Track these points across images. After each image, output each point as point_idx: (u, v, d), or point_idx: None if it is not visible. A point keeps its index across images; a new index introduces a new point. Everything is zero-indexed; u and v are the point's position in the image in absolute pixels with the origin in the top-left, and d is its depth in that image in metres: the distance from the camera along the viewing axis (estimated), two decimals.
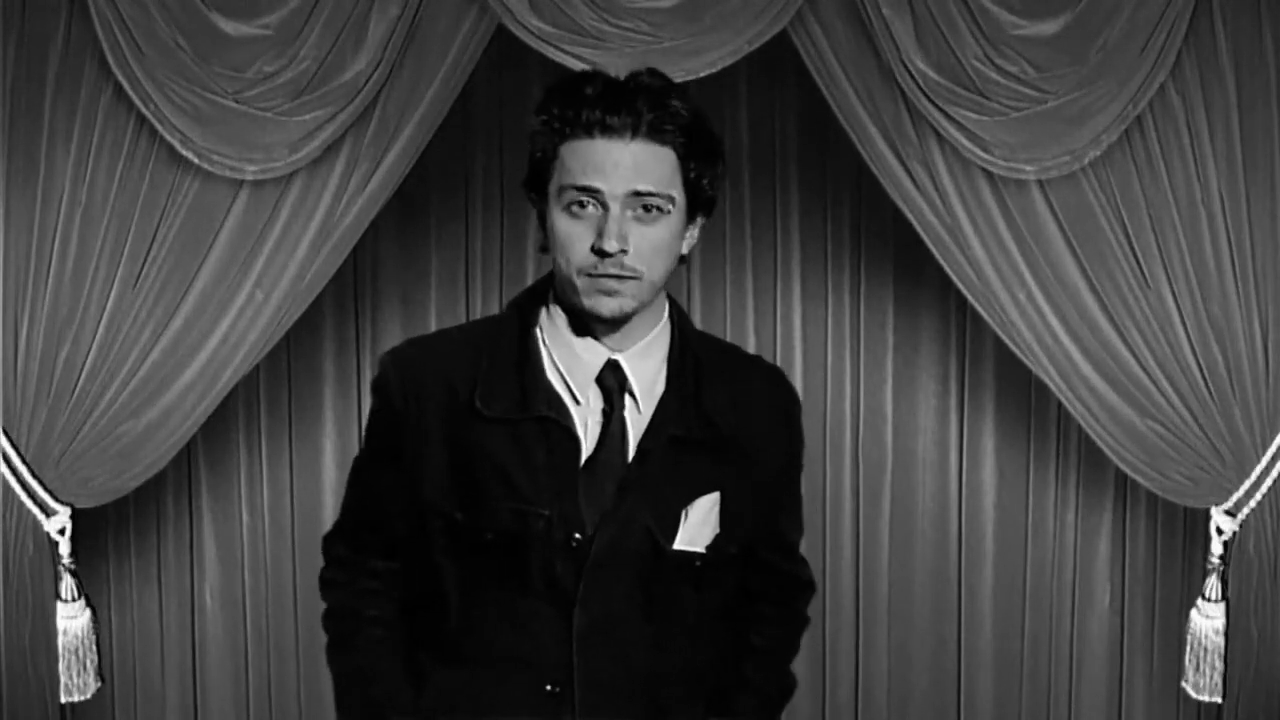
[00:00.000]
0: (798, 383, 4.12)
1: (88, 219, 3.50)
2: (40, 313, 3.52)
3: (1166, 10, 3.40)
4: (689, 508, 1.85)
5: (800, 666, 4.09)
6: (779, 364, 4.09)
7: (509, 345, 1.87)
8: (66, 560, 3.60)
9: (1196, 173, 3.50)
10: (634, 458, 1.84)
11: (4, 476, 3.54)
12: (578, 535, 1.82)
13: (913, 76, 3.45)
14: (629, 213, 1.78)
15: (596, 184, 1.77)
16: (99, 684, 3.71)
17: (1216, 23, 3.45)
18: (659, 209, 1.79)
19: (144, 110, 3.44)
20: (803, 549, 2.11)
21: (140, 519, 4.03)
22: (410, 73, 3.49)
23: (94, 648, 3.68)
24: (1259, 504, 3.57)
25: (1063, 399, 3.65)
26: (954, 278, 3.63)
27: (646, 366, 1.87)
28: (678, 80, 3.46)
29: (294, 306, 3.60)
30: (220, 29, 3.44)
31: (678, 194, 1.81)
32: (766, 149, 4.07)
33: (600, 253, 1.77)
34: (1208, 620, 3.65)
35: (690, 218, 1.86)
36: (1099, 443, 3.66)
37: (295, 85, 3.45)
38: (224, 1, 3.44)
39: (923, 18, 3.43)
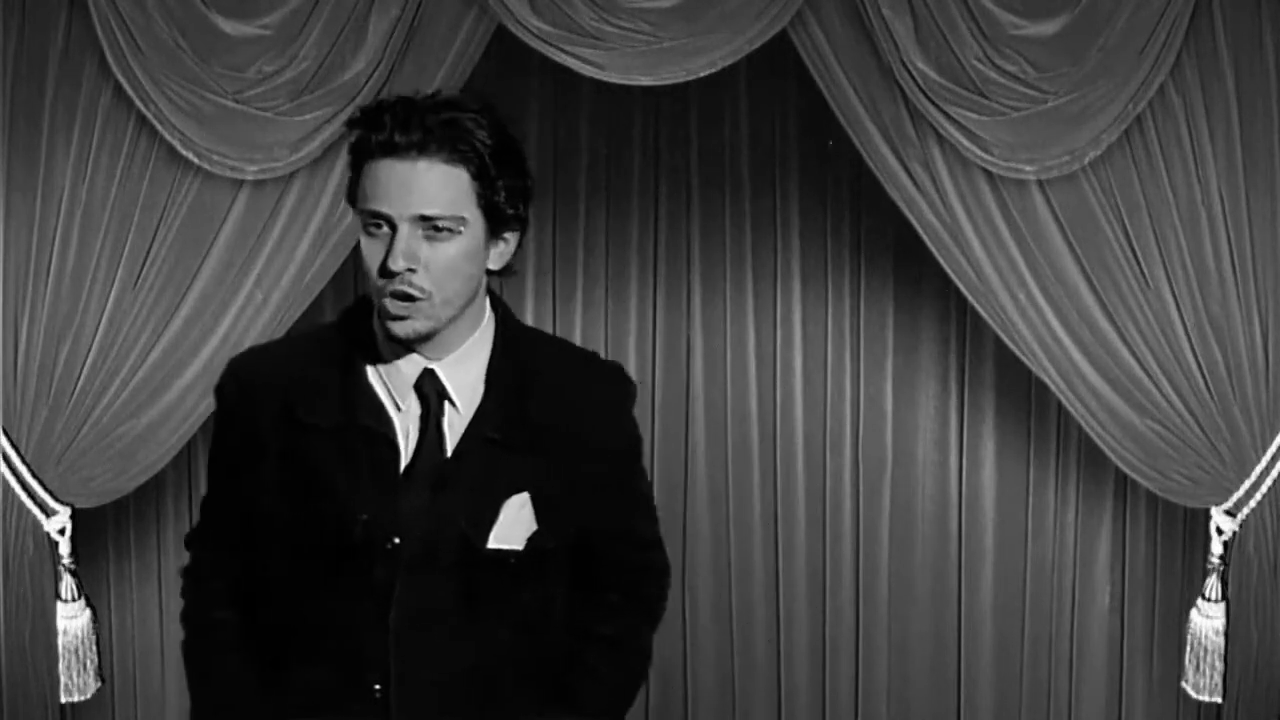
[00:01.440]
0: (797, 382, 4.12)
1: (88, 219, 3.51)
2: (40, 313, 3.52)
3: (1166, 10, 3.40)
4: (502, 506, 1.86)
5: (800, 666, 4.14)
6: (779, 364, 4.12)
7: (333, 354, 1.89)
8: (66, 560, 3.61)
9: (1196, 173, 3.50)
10: (448, 460, 1.85)
11: (4, 476, 3.54)
12: (396, 539, 1.83)
13: (913, 76, 3.45)
14: (418, 231, 1.77)
15: (382, 209, 1.77)
16: (99, 684, 3.71)
17: (1216, 23, 3.45)
18: (450, 230, 1.78)
19: (144, 110, 3.45)
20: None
21: (140, 519, 4.03)
22: (410, 73, 3.49)
23: (94, 648, 3.68)
24: (1259, 504, 3.57)
25: (1063, 399, 3.65)
26: (954, 278, 3.63)
27: (465, 372, 1.87)
28: (678, 80, 3.52)
29: (294, 306, 3.60)
30: (220, 29, 3.45)
31: (470, 214, 1.79)
32: (766, 149, 4.07)
33: (385, 272, 1.77)
34: (1208, 620, 3.65)
35: (494, 234, 1.84)
36: (1099, 443, 3.66)
37: (295, 85, 3.46)
38: (224, 1, 3.45)
39: (923, 18, 3.43)
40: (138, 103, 3.44)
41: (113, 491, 3.65)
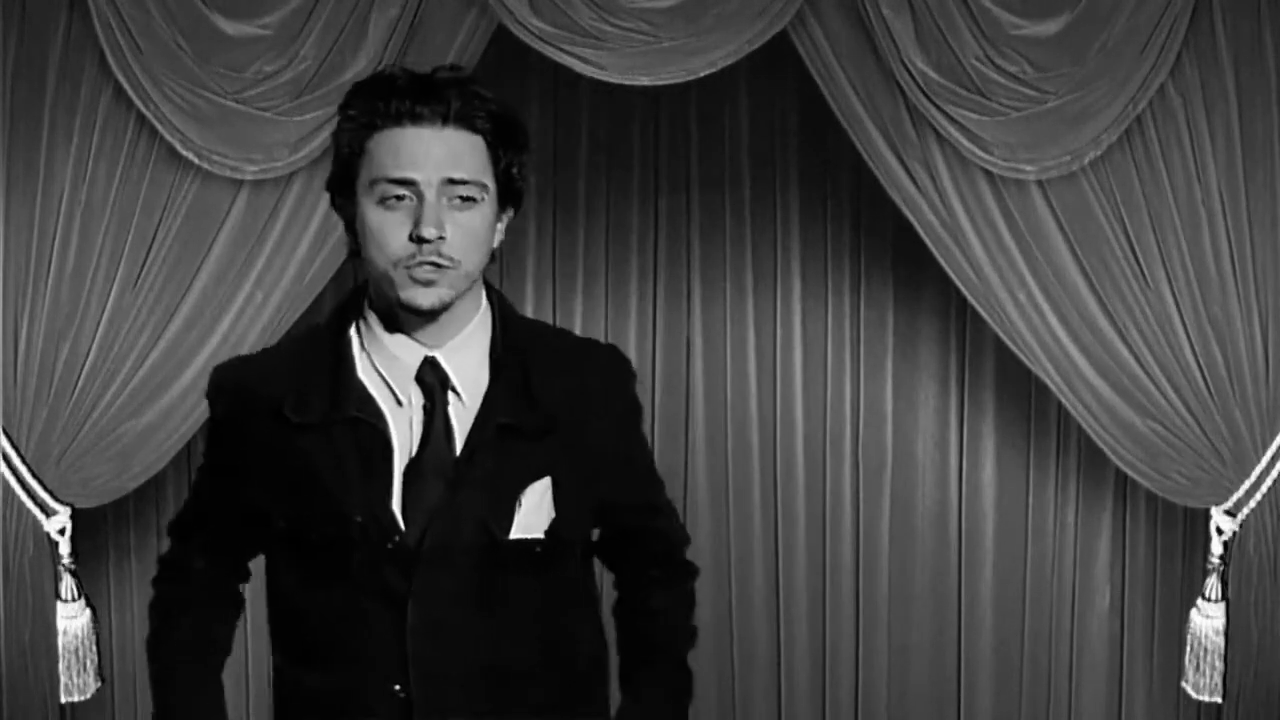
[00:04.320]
0: (797, 382, 4.12)
1: (88, 219, 3.50)
2: (40, 313, 3.52)
3: (1166, 10, 3.40)
4: (522, 495, 1.84)
5: (801, 666, 4.14)
6: (779, 364, 4.12)
7: (322, 351, 1.86)
8: (66, 560, 3.60)
9: (1196, 173, 3.50)
10: (461, 452, 1.82)
11: (4, 476, 3.54)
12: (396, 537, 1.80)
13: (913, 76, 3.45)
14: (444, 201, 1.77)
15: (410, 174, 1.75)
16: (99, 684, 3.71)
17: (1216, 23, 3.45)
18: (473, 198, 1.78)
19: (144, 110, 3.45)
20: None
21: (140, 519, 4.03)
22: None
23: (94, 648, 3.68)
24: (1259, 504, 3.57)
25: (1063, 399, 3.65)
26: (954, 278, 3.63)
27: (467, 360, 1.85)
28: (678, 80, 3.52)
29: (294, 306, 3.60)
30: (220, 29, 3.45)
31: (490, 182, 1.80)
32: (766, 149, 4.07)
33: (419, 240, 1.75)
34: (1208, 620, 3.65)
35: (501, 208, 1.84)
36: (1099, 443, 3.66)
37: (295, 85, 3.46)
38: (224, 1, 3.45)
39: (923, 18, 3.43)
40: (138, 103, 3.44)
41: (113, 491, 3.65)
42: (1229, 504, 3.60)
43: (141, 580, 4.06)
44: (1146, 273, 3.53)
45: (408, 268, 1.76)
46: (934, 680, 4.15)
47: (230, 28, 3.45)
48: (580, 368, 1.94)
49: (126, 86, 3.44)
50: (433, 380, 1.83)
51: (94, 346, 3.54)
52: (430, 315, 1.80)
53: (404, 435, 1.82)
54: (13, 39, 3.45)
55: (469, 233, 1.78)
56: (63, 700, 3.64)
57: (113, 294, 3.53)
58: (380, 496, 1.81)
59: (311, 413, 1.82)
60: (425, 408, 1.83)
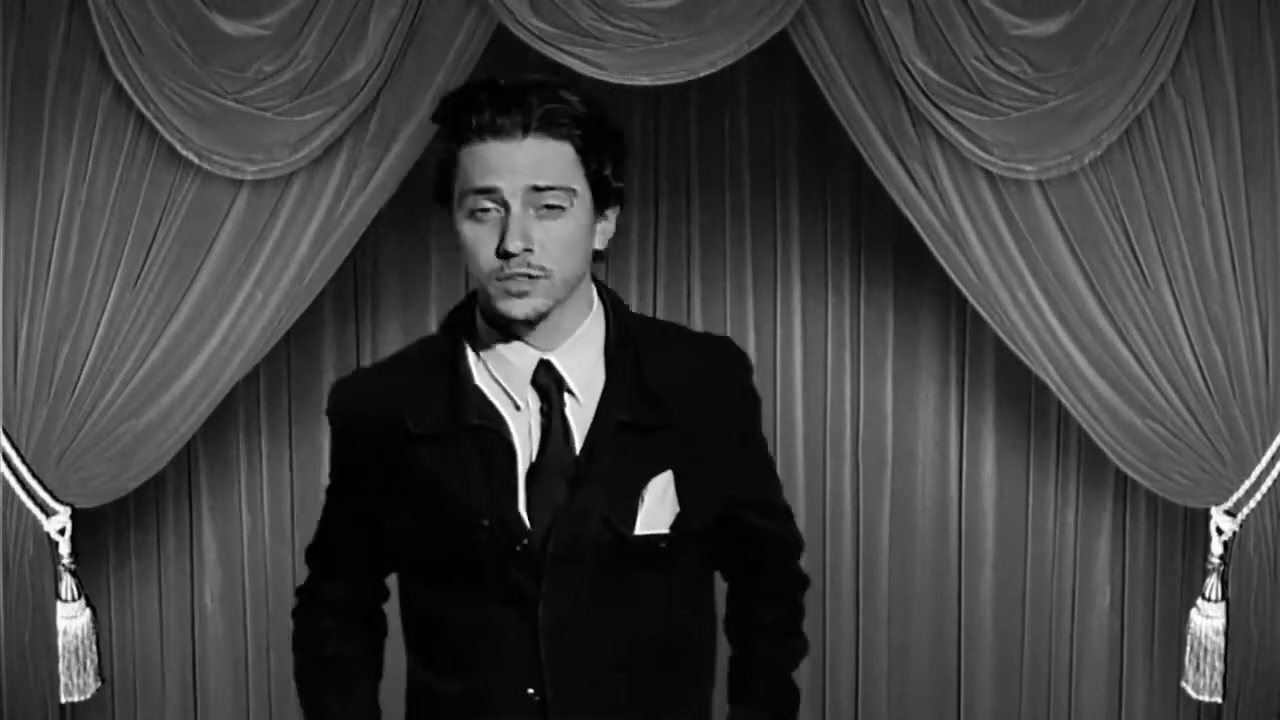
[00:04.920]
0: (797, 382, 4.12)
1: (88, 219, 3.51)
2: (40, 313, 3.52)
3: (1166, 10, 3.40)
4: (644, 491, 1.84)
5: (801, 666, 4.13)
6: (779, 364, 4.12)
7: (439, 361, 1.87)
8: (66, 560, 3.61)
9: (1196, 173, 3.50)
10: (582, 451, 1.83)
11: (4, 476, 3.54)
12: (524, 540, 1.81)
13: (913, 76, 3.45)
14: (530, 211, 1.76)
15: (492, 183, 1.75)
16: (99, 684, 3.71)
17: (1216, 23, 3.45)
18: (560, 205, 1.78)
19: (144, 110, 3.45)
20: (802, 549, 2.12)
21: (140, 519, 4.03)
22: (410, 73, 3.49)
23: (94, 648, 3.68)
24: (1259, 504, 3.57)
25: (1063, 399, 3.65)
26: (954, 278, 3.63)
27: (581, 360, 1.85)
28: (678, 81, 3.52)
29: (294, 306, 3.60)
30: (220, 29, 3.45)
31: (579, 186, 1.79)
32: (766, 149, 4.07)
33: (505, 254, 1.75)
34: (1208, 620, 3.65)
35: (599, 210, 1.84)
36: (1099, 443, 3.66)
37: (295, 85, 3.46)
38: (224, 1, 3.45)
39: (923, 18, 3.43)
40: (138, 103, 3.44)
41: (112, 491, 3.65)
42: (1229, 504, 3.60)
43: (141, 580, 4.06)
44: (1146, 273, 3.53)
45: (500, 280, 1.77)
46: (934, 680, 4.16)
47: (230, 28, 3.45)
48: (695, 361, 1.94)
49: (126, 86, 3.44)
50: (548, 382, 1.84)
51: (94, 346, 3.54)
52: (528, 324, 1.81)
53: (524, 439, 1.83)
54: (13, 39, 3.45)
55: (559, 240, 1.77)
56: (63, 700, 3.65)
57: (113, 294, 3.53)
58: (507, 501, 1.82)
59: (432, 423, 1.83)
60: (543, 410, 1.83)
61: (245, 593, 4.10)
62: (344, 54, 3.45)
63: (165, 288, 3.54)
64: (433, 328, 4.02)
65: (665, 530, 1.85)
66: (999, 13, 3.43)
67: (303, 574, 4.23)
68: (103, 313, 3.53)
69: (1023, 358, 3.64)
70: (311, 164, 3.51)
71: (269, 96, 3.46)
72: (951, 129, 3.47)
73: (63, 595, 3.62)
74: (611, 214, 1.86)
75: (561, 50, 3.41)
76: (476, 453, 1.82)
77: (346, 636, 2.02)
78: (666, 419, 1.85)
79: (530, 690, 1.83)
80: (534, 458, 1.83)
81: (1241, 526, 3.60)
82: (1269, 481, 3.56)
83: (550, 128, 1.76)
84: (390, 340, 4.04)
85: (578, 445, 1.83)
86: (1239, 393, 3.54)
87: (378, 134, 3.51)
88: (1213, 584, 3.65)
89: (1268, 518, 3.59)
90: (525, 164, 1.76)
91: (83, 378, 3.54)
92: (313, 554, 2.05)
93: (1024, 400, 4.07)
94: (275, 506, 4.10)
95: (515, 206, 1.75)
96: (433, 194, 1.86)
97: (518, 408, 1.84)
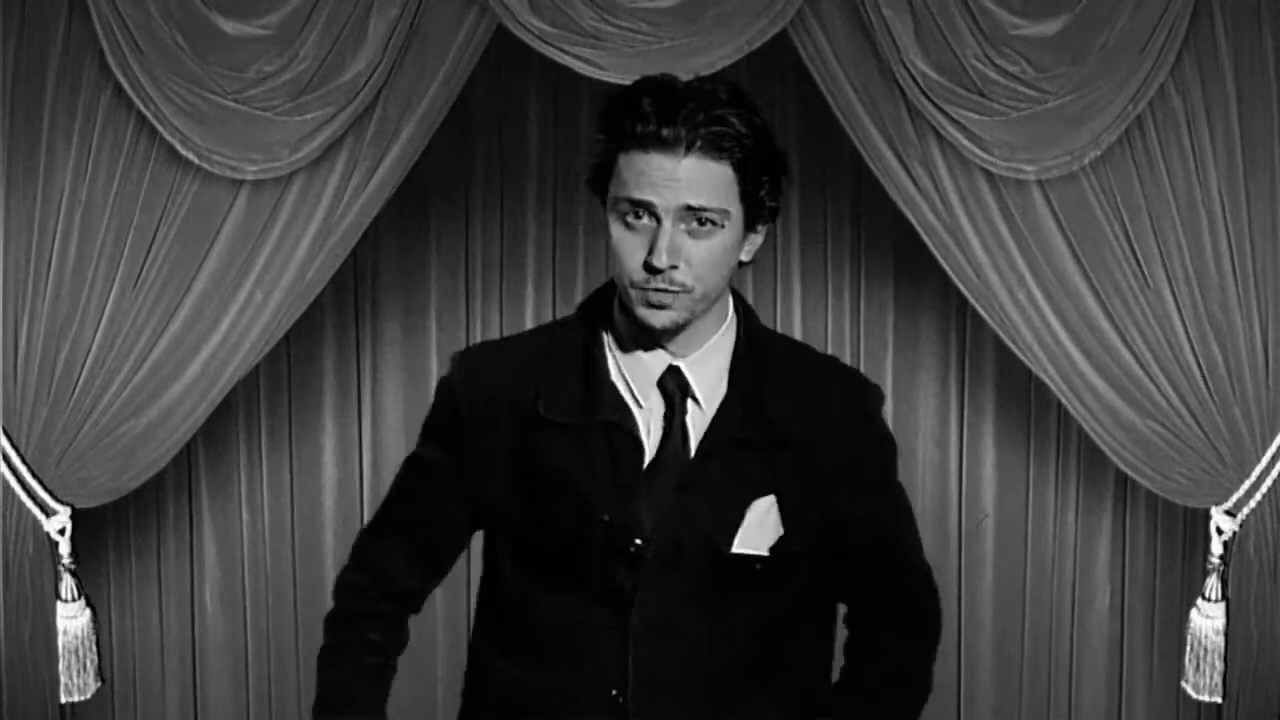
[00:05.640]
0: None
1: (88, 219, 3.50)
2: (40, 313, 3.52)
3: (1166, 10, 3.40)
4: (748, 510, 1.84)
5: None
6: None
7: (574, 349, 1.87)
8: (66, 560, 3.60)
9: (1196, 173, 3.50)
10: (693, 460, 1.83)
11: (4, 476, 3.54)
12: (638, 540, 1.81)
13: (913, 76, 3.45)
14: (681, 226, 1.76)
15: (648, 197, 1.75)
16: (99, 684, 3.71)
17: (1216, 23, 3.45)
18: (713, 222, 1.76)
19: (144, 110, 3.45)
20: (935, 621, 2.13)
21: (140, 519, 4.03)
22: (410, 73, 3.49)
23: (94, 648, 3.68)
24: (1259, 504, 3.57)
25: (1063, 399, 3.65)
26: (954, 278, 3.63)
27: (708, 370, 1.86)
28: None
29: (294, 306, 3.60)
30: (220, 29, 3.45)
31: (733, 208, 1.78)
32: None
33: (650, 268, 1.76)
34: (1208, 620, 3.65)
35: (749, 227, 1.83)
36: (1099, 443, 3.66)
37: (295, 85, 3.46)
38: (224, 1, 3.44)
39: (923, 18, 3.43)
40: (138, 103, 3.44)
41: (112, 491, 3.65)
42: (1229, 504, 3.60)
43: (141, 580, 4.06)
44: (1146, 273, 3.53)
45: (642, 289, 1.77)
46: (934, 680, 4.15)
47: (230, 28, 3.45)
48: (820, 388, 1.93)
49: (126, 86, 3.44)
50: (674, 388, 1.85)
51: (94, 346, 3.54)
52: (665, 333, 1.82)
53: (644, 439, 1.85)
54: (13, 39, 3.45)
55: (705, 260, 1.77)
56: (63, 700, 3.64)
57: (113, 294, 3.53)
58: (631, 498, 1.82)
59: (566, 412, 1.83)
60: (666, 414, 1.84)
61: (245, 593, 4.09)
62: (344, 54, 3.45)
63: (165, 288, 3.54)
64: (433, 327, 4.05)
65: (763, 552, 1.84)
66: (999, 13, 3.43)
67: (303, 572, 4.23)
68: (103, 313, 3.53)
69: (1023, 358, 3.64)
70: (311, 164, 3.50)
71: (269, 96, 3.46)
72: (951, 129, 3.47)
73: (63, 595, 3.62)
74: (762, 229, 1.85)
75: (561, 50, 3.41)
76: (606, 447, 1.82)
77: (392, 629, 1.98)
78: (780, 440, 1.84)
79: (614, 692, 1.82)
80: (650, 459, 1.83)
81: (1241, 526, 3.60)
82: (1269, 481, 3.56)
83: (711, 149, 1.75)
84: (390, 340, 4.05)
85: (693, 452, 1.84)
86: (1239, 393, 3.54)
87: (378, 134, 3.51)
88: (1213, 584, 3.65)
89: (1268, 518, 3.59)
90: (683, 182, 1.74)
91: (83, 378, 3.54)
92: (375, 529, 2.02)
93: (1024, 400, 4.07)
94: (275, 506, 4.10)
95: (667, 222, 1.75)
96: (588, 182, 1.85)
97: (640, 405, 1.85)
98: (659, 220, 1.75)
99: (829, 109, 3.56)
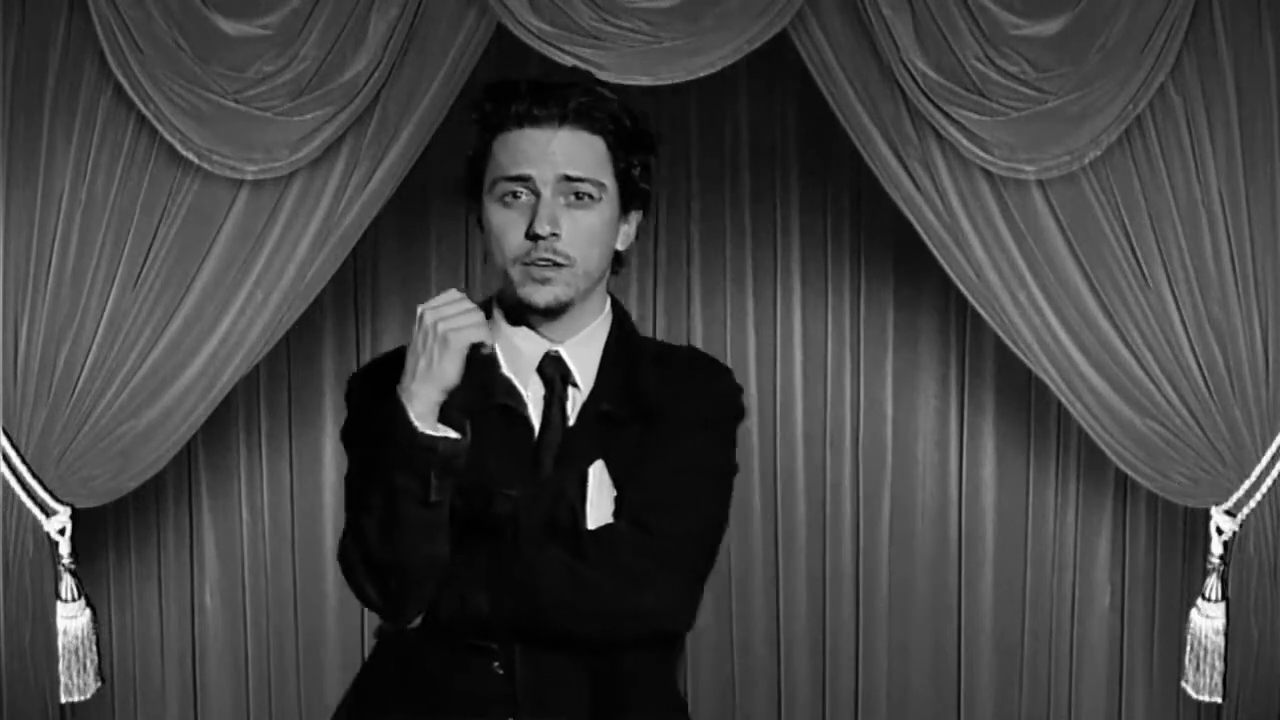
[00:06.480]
0: (797, 382, 4.13)
1: (88, 219, 3.50)
2: (40, 313, 3.52)
3: (1166, 10, 3.40)
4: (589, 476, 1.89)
5: (800, 666, 4.14)
6: (779, 363, 4.12)
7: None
8: (66, 560, 3.60)
9: (1196, 173, 3.50)
10: (566, 434, 1.88)
11: (4, 476, 3.54)
12: (525, 512, 1.86)
13: (913, 76, 3.45)
14: (560, 199, 1.83)
15: (526, 171, 1.82)
16: (99, 684, 3.71)
17: (1216, 23, 3.45)
18: (590, 195, 1.84)
19: (144, 110, 3.45)
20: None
21: (140, 519, 4.03)
22: (410, 73, 3.49)
23: (94, 648, 3.68)
24: (1259, 504, 3.57)
25: (1063, 399, 3.65)
26: (954, 278, 3.63)
27: (585, 357, 1.92)
28: (678, 80, 3.52)
29: (294, 306, 3.60)
30: (220, 29, 3.45)
31: (608, 181, 1.86)
32: (766, 149, 4.07)
33: (534, 237, 1.82)
34: (1208, 620, 3.65)
35: (624, 210, 1.90)
36: (1099, 443, 3.66)
37: (295, 85, 3.46)
38: (224, 1, 3.45)
39: (923, 18, 3.43)
40: (138, 103, 3.44)
41: (112, 491, 3.65)
42: (1229, 504, 3.60)
43: (141, 580, 4.07)
44: (1146, 273, 3.53)
45: (525, 265, 1.83)
46: (934, 679, 4.16)
47: (230, 28, 3.45)
48: (685, 376, 1.97)
49: (126, 86, 3.44)
50: (554, 373, 1.91)
51: (94, 346, 3.54)
52: (548, 313, 1.87)
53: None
54: (13, 39, 3.45)
55: (585, 231, 1.84)
56: (63, 700, 3.64)
57: (113, 294, 3.53)
58: (529, 477, 1.86)
59: (463, 400, 1.85)
60: (546, 398, 1.90)
61: (245, 592, 4.10)
62: (344, 54, 3.45)
63: (165, 288, 3.54)
64: None
65: (611, 519, 1.87)
66: (999, 13, 3.43)
67: (303, 572, 4.24)
68: (103, 313, 3.53)
69: (1023, 358, 3.64)
70: (311, 164, 3.50)
71: (269, 96, 3.46)
72: (951, 129, 3.47)
73: (63, 595, 3.62)
74: (634, 217, 1.93)
75: (561, 50, 3.41)
76: (502, 430, 1.87)
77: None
78: (647, 414, 1.89)
79: (495, 664, 1.85)
80: (533, 441, 1.89)
81: (1241, 526, 3.60)
82: (1269, 481, 3.56)
83: (585, 120, 1.84)
84: (390, 340, 4.05)
85: (570, 429, 1.89)
86: (1239, 393, 3.54)
87: (378, 134, 3.51)
88: (1213, 584, 3.65)
89: (1268, 518, 3.59)
90: (559, 154, 1.83)
91: (83, 378, 3.54)
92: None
93: (1024, 400, 4.07)
94: (275, 506, 4.10)
95: (546, 194, 1.83)
96: (463, 188, 1.92)
97: (525, 391, 1.90)
98: (537, 194, 1.83)
99: (829, 109, 3.56)
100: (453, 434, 1.79)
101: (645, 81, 3.48)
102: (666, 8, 3.42)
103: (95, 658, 3.68)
